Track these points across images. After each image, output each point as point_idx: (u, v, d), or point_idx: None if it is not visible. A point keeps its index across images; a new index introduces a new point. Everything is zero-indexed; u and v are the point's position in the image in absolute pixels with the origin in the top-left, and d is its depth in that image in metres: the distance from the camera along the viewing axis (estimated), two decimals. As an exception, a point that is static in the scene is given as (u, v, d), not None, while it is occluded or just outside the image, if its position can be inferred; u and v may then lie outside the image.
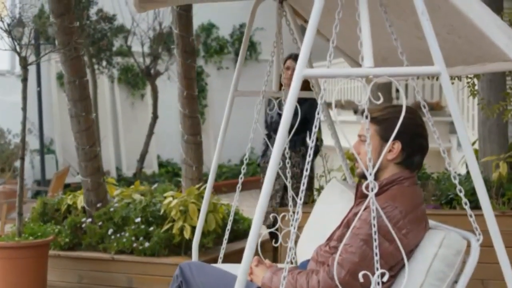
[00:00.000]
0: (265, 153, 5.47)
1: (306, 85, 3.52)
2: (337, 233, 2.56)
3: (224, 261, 3.51)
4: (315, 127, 2.18)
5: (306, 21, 3.41)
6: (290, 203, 3.56)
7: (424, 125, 2.49)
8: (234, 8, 12.83)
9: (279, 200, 5.23)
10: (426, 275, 2.34)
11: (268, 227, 5.16)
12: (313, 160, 4.98)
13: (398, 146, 2.43)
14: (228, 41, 15.46)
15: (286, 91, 3.54)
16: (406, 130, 2.32)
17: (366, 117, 2.15)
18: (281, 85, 5.04)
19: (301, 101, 4.63)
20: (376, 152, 2.38)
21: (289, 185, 3.55)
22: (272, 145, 5.11)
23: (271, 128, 5.41)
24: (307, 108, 4.69)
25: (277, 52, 3.47)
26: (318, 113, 2.21)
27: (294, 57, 5.26)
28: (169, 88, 12.08)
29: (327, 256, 2.52)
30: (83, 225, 5.33)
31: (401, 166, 2.47)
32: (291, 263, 3.10)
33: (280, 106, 3.83)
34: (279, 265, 2.71)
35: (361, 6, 2.14)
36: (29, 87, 5.11)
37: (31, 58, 5.02)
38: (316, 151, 5.05)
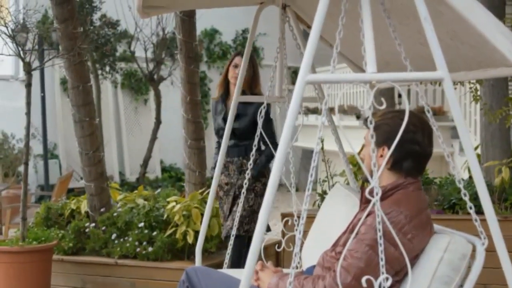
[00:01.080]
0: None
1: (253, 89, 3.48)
2: (343, 238, 2.56)
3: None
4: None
5: (309, 26, 3.42)
6: (294, 207, 3.55)
7: (418, 131, 2.45)
8: (237, 13, 12.83)
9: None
10: (432, 279, 2.34)
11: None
12: (266, 166, 4.71)
13: (386, 151, 2.42)
14: (231, 47, 15.49)
15: (289, 96, 3.54)
16: (393, 136, 2.28)
17: (371, 122, 2.15)
18: (227, 84, 4.90)
19: (247, 105, 4.47)
20: (369, 157, 2.40)
21: (293, 190, 3.55)
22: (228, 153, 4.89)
23: (219, 135, 4.85)
24: (254, 110, 4.47)
25: (280, 58, 3.47)
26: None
27: (243, 54, 4.99)
28: (172, 93, 12.12)
29: (333, 261, 2.52)
30: (87, 230, 5.34)
31: (393, 171, 2.48)
32: (297, 268, 3.11)
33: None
34: (285, 270, 2.71)
35: (364, 11, 2.14)
36: (33, 92, 5.12)
37: (35, 64, 5.03)
38: (271, 156, 4.56)
